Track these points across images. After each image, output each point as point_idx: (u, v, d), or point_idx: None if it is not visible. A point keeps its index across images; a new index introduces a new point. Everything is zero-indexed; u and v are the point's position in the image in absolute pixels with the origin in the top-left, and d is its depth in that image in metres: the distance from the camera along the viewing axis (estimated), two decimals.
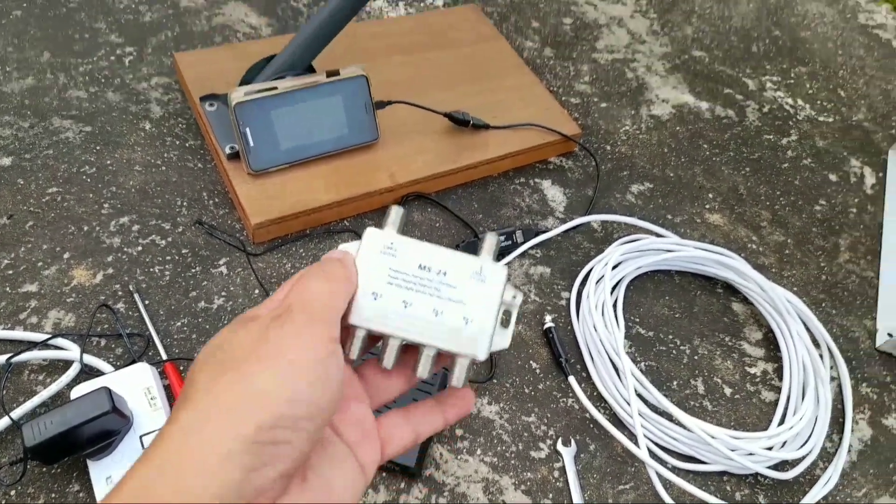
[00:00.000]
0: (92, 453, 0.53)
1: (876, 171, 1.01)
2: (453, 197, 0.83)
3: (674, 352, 0.75)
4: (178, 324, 0.66)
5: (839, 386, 0.75)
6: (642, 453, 0.62)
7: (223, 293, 0.69)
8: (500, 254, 0.76)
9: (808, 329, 0.76)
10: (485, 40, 0.99)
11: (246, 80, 0.76)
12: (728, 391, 0.73)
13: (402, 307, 0.35)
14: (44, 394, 0.57)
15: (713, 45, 1.17)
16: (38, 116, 0.80)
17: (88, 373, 0.60)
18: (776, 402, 0.72)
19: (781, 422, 0.70)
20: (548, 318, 0.73)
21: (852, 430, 0.72)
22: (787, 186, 0.96)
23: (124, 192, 0.75)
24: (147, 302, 0.66)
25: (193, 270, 0.70)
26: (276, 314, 0.30)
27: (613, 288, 0.77)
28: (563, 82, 1.02)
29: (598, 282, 0.75)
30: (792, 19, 1.28)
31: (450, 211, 0.81)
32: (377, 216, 0.78)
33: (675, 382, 0.72)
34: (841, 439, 0.71)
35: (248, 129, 0.71)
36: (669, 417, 0.67)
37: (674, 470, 0.65)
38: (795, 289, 0.83)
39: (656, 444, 0.66)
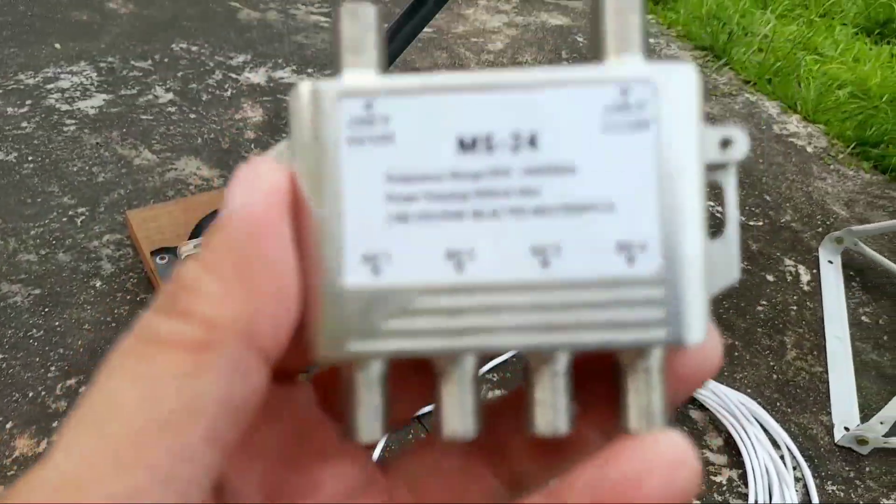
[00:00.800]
0: None
1: (809, 269, 1.07)
2: None
3: None
4: None
5: (805, 486, 0.75)
6: None
7: None
8: None
9: (766, 431, 0.77)
10: None
11: (195, 233, 0.79)
12: (696, 503, 0.72)
13: (450, 270, 0.15)
14: None
15: None
16: None
17: None
18: None
19: None
20: None
21: None
22: (728, 290, 1.00)
23: (72, 353, 0.74)
24: None
25: None
26: None
27: None
28: None
29: None
30: None
31: None
32: None
33: None
34: None
35: None
36: None
37: None
38: (749, 390, 0.85)
39: None
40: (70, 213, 0.92)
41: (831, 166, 1.31)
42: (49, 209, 0.92)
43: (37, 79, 1.17)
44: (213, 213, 0.80)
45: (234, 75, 1.26)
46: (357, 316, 0.15)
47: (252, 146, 1.09)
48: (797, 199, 1.22)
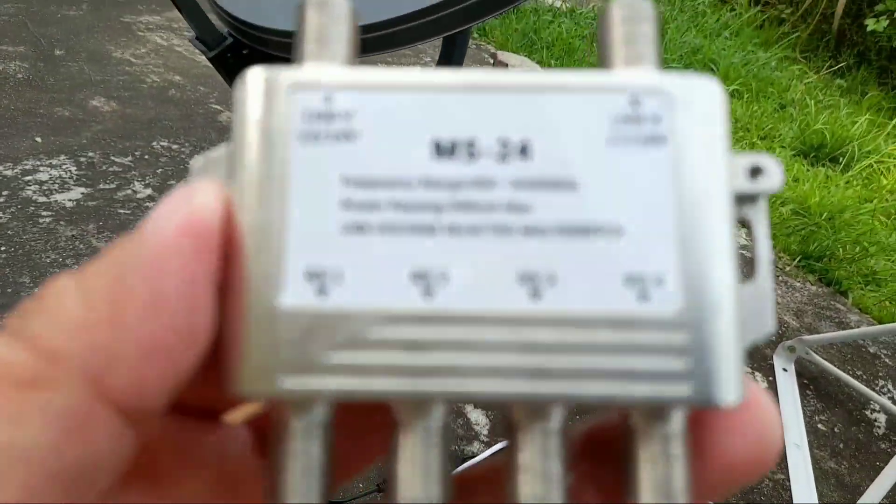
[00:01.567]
0: None
1: (766, 376, 1.11)
2: None
3: None
4: None
5: None
6: None
7: None
8: None
9: None
10: None
11: None
12: None
13: (416, 294, 0.13)
14: None
15: None
16: None
17: None
18: None
19: None
20: None
21: None
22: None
23: None
24: None
25: None
26: None
27: None
28: None
29: None
30: None
31: None
32: None
33: None
34: None
35: None
36: None
37: None
38: None
39: None
40: None
41: (780, 278, 1.39)
42: (20, 301, 0.91)
43: (15, 170, 1.18)
44: None
45: None
46: (293, 345, 0.13)
47: None
48: None
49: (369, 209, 0.13)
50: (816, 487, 0.91)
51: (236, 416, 0.16)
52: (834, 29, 2.49)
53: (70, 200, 1.14)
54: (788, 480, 0.91)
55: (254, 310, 0.13)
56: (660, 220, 0.13)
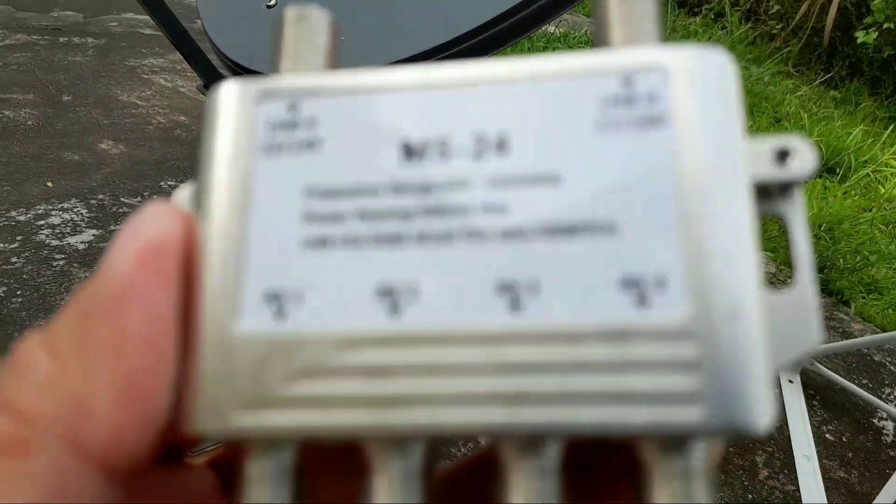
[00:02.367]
0: None
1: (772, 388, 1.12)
2: None
3: None
4: None
5: None
6: None
7: None
8: None
9: None
10: None
11: None
12: None
13: (381, 313, 0.12)
14: None
15: None
16: None
17: None
18: None
19: None
20: None
21: None
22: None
23: None
24: None
25: None
26: None
27: None
28: None
29: None
30: None
31: None
32: None
33: None
34: None
35: None
36: None
37: None
38: None
39: None
40: None
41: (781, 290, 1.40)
42: None
43: (28, 215, 1.21)
44: None
45: None
46: (248, 375, 0.11)
47: None
48: None
49: (332, 221, 0.12)
50: (827, 497, 0.91)
51: (199, 457, 0.15)
52: (825, 42, 2.52)
53: (82, 243, 1.16)
54: (799, 492, 0.92)
55: (209, 338, 0.12)
56: (660, 212, 0.11)
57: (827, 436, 1.02)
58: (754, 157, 0.12)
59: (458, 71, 0.12)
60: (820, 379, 1.12)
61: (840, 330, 1.30)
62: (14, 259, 1.10)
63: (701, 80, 0.12)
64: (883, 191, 1.84)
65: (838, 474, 0.96)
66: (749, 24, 2.74)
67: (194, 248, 0.12)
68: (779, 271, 1.47)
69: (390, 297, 0.11)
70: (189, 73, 1.76)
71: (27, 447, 0.11)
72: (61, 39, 1.99)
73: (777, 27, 2.72)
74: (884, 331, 1.28)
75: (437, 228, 0.11)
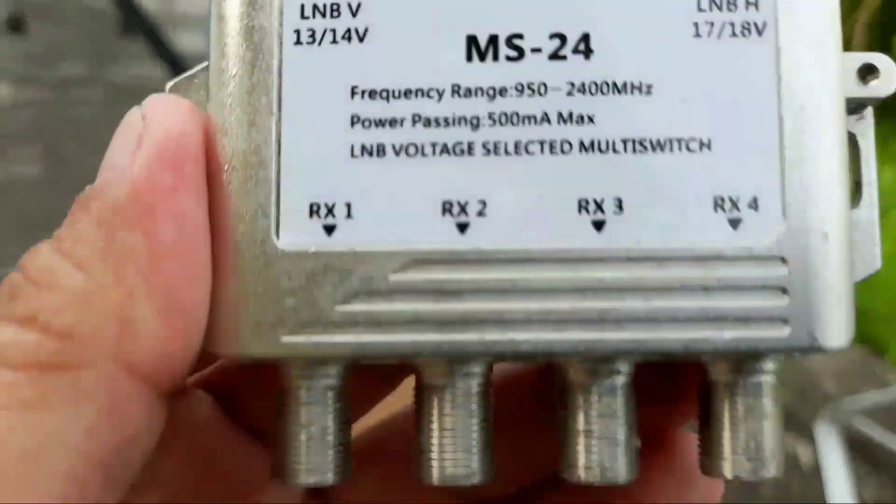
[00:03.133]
0: None
1: (807, 446, 1.03)
2: None
3: None
4: None
5: None
6: None
7: None
8: None
9: None
10: None
11: None
12: None
13: (447, 229, 0.11)
14: None
15: None
16: None
17: None
18: None
19: None
20: None
21: None
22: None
23: None
24: None
25: None
26: None
27: None
28: None
29: None
30: None
31: None
32: None
33: None
34: None
35: None
36: None
37: None
38: None
39: None
40: None
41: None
42: None
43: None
44: None
45: None
46: (298, 294, 0.11)
47: None
48: (787, 371, 1.21)
49: (386, 127, 0.11)
50: None
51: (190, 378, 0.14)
52: None
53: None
54: None
55: (246, 254, 0.11)
56: (758, 130, 0.11)
57: (865, 492, 0.94)
58: (842, 71, 0.11)
59: None
60: (859, 433, 1.03)
61: (878, 381, 1.21)
62: None
63: None
64: None
65: None
66: None
67: (212, 152, 0.11)
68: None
69: (458, 212, 0.11)
70: None
71: (70, 362, 0.10)
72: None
73: None
74: None
75: (510, 137, 0.11)
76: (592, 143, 0.10)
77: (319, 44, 0.11)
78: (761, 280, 0.11)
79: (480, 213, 0.10)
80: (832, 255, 0.11)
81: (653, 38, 0.10)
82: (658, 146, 0.10)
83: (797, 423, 1.08)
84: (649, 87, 0.11)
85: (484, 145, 0.10)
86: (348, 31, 0.11)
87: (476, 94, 0.11)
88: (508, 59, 0.10)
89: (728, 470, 0.11)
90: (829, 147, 0.11)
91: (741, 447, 0.11)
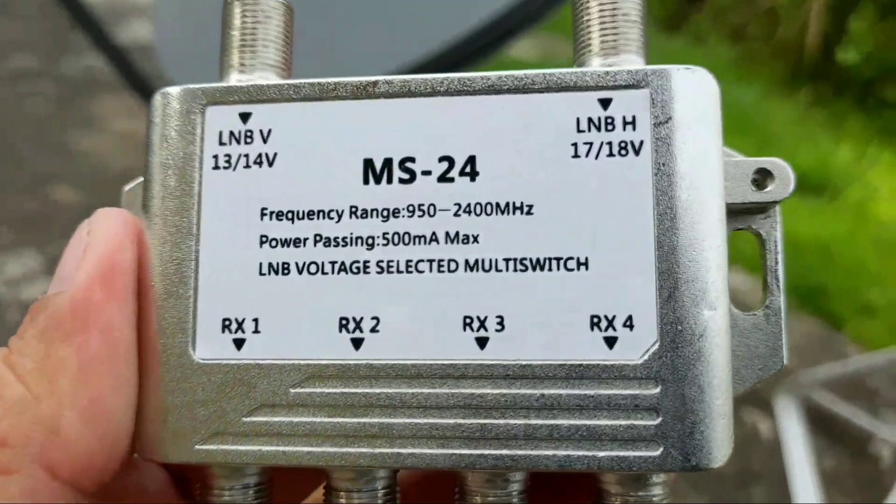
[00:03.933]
0: None
1: (767, 419, 1.06)
2: None
3: None
4: None
5: None
6: None
7: None
8: None
9: None
10: None
11: None
12: None
13: (343, 345, 0.11)
14: None
15: None
16: None
17: None
18: None
19: None
20: None
21: None
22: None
23: None
24: None
25: None
26: None
27: None
28: None
29: None
30: None
31: None
32: None
33: None
34: None
35: None
36: None
37: None
38: None
39: None
40: None
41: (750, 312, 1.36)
42: None
43: None
44: None
45: None
46: (209, 405, 0.11)
47: None
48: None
49: (290, 246, 0.11)
50: None
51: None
52: (807, 63, 2.53)
53: (41, 294, 1.12)
54: None
55: (167, 365, 0.12)
56: (633, 249, 0.11)
57: (825, 464, 0.97)
58: (734, 178, 0.11)
59: (427, 79, 0.11)
60: (816, 405, 1.06)
61: (835, 354, 1.25)
62: None
63: (684, 101, 0.11)
64: (873, 210, 1.80)
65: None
66: (732, 45, 2.74)
67: (145, 263, 0.12)
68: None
69: (353, 328, 0.11)
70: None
71: (5, 470, 0.11)
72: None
73: (762, 49, 2.72)
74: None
75: (402, 257, 0.11)
76: (477, 263, 0.11)
77: (234, 168, 0.12)
78: (633, 400, 0.10)
79: (374, 329, 0.11)
80: (708, 373, 0.11)
81: (534, 158, 0.11)
82: (538, 265, 0.11)
83: (757, 397, 1.10)
84: (530, 207, 0.11)
85: (378, 264, 0.11)
86: (260, 156, 0.11)
87: (371, 216, 0.11)
88: (401, 181, 0.11)
89: None
90: (706, 263, 0.11)
91: None
